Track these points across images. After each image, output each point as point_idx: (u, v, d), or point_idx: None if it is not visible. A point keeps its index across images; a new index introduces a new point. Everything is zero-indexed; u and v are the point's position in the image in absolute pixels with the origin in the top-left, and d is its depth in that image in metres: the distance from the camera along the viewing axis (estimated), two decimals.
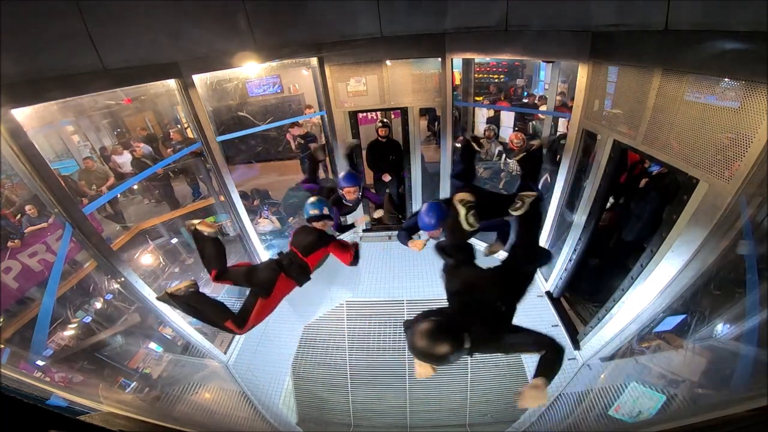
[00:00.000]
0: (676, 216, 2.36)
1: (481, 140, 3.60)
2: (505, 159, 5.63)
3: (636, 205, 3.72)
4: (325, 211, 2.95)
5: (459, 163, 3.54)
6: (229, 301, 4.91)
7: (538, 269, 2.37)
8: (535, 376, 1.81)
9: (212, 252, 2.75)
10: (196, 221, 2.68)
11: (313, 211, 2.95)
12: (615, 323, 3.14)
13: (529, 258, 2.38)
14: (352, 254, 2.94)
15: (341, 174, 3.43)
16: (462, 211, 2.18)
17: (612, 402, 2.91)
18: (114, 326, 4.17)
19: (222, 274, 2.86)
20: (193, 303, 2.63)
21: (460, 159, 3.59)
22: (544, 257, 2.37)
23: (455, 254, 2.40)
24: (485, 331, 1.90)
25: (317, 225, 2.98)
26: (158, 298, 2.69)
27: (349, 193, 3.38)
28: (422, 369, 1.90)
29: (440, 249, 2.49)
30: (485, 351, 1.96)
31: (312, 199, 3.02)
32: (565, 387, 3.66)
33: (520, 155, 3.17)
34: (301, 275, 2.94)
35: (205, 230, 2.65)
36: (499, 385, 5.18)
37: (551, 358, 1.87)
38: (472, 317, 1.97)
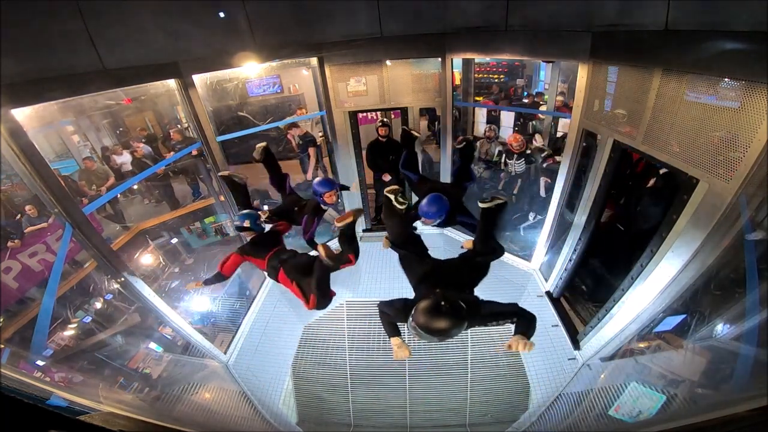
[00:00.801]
0: (676, 216, 2.36)
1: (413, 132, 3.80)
2: (505, 159, 5.63)
3: (648, 203, 3.73)
4: (246, 223, 3.12)
5: (404, 152, 3.75)
6: (229, 301, 4.93)
7: (490, 262, 2.62)
8: (516, 333, 2.08)
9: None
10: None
11: (237, 222, 3.17)
12: (615, 323, 3.14)
13: (484, 251, 2.60)
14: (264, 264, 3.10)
15: (316, 180, 3.37)
16: (392, 196, 2.49)
17: (612, 402, 2.91)
18: (114, 326, 4.17)
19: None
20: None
21: (401, 145, 3.87)
22: (498, 253, 2.64)
23: (407, 247, 2.62)
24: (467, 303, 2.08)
25: (245, 234, 3.19)
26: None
27: (329, 197, 3.33)
28: (401, 351, 2.26)
29: (393, 244, 2.71)
30: (473, 323, 2.15)
31: (243, 211, 3.22)
32: (565, 387, 3.66)
33: (462, 144, 3.38)
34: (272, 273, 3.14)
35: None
36: (499, 385, 5.18)
37: (527, 322, 2.16)
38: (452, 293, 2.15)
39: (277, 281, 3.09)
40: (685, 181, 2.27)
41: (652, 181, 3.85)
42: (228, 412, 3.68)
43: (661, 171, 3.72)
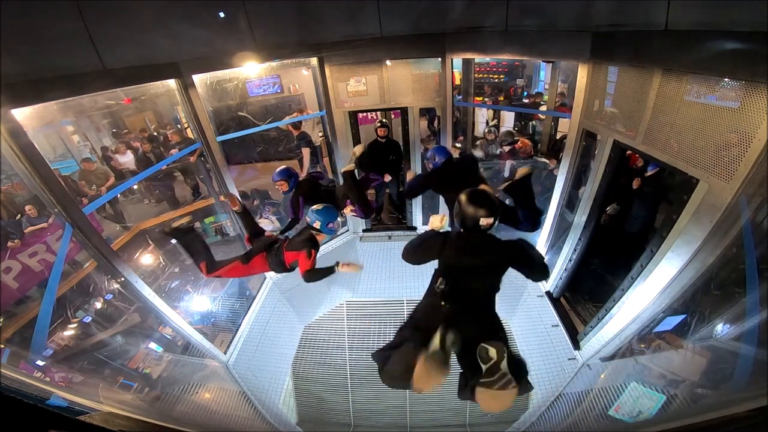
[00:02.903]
0: (676, 216, 2.36)
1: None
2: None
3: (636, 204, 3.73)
4: (317, 224, 3.00)
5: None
6: (229, 301, 4.93)
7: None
8: None
9: (197, 245, 3.08)
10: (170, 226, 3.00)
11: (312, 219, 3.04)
12: (615, 323, 3.14)
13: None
14: (309, 267, 2.89)
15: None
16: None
17: (612, 402, 2.91)
18: (114, 326, 4.17)
19: (212, 267, 3.07)
20: (189, 237, 3.07)
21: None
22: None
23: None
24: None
25: (314, 233, 3.05)
26: (165, 232, 3.10)
27: (280, 185, 3.71)
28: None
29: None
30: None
31: (318, 207, 3.06)
32: (565, 387, 3.66)
33: (506, 184, 3.01)
34: (275, 262, 3.09)
35: (181, 224, 2.99)
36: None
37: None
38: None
39: (287, 268, 3.08)
40: (685, 181, 2.27)
41: (636, 183, 3.84)
42: (228, 412, 3.68)
43: (647, 173, 3.72)
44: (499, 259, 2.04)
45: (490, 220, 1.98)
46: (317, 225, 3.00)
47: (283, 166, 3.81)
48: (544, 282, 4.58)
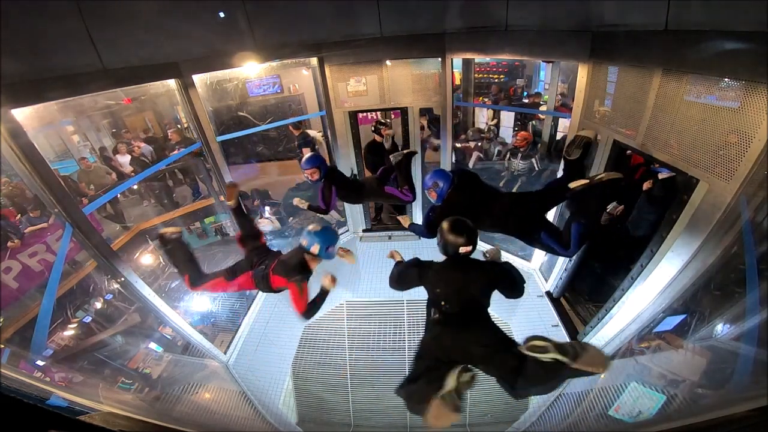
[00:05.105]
0: (676, 216, 2.36)
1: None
2: (509, 158, 5.64)
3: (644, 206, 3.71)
4: (315, 248, 2.65)
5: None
6: (229, 300, 4.93)
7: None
8: None
9: (181, 257, 2.83)
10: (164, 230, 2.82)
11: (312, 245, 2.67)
12: (615, 323, 3.15)
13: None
14: (305, 307, 2.62)
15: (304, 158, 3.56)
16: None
17: (612, 402, 2.91)
18: (114, 326, 4.17)
19: (196, 281, 2.82)
20: (172, 248, 2.83)
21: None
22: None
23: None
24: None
25: (308, 257, 2.72)
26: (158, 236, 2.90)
27: (311, 174, 3.49)
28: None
29: None
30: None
31: (316, 227, 2.70)
32: (565, 387, 3.66)
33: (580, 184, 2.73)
34: (261, 284, 2.82)
35: (168, 233, 2.79)
36: (499, 385, 5.16)
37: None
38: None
39: (273, 290, 2.82)
40: (685, 181, 2.27)
41: (647, 185, 3.81)
42: (228, 412, 3.68)
43: (660, 176, 3.69)
44: (484, 280, 2.19)
45: (469, 248, 2.14)
46: (315, 249, 2.62)
47: (312, 154, 3.60)
48: (544, 282, 4.58)
